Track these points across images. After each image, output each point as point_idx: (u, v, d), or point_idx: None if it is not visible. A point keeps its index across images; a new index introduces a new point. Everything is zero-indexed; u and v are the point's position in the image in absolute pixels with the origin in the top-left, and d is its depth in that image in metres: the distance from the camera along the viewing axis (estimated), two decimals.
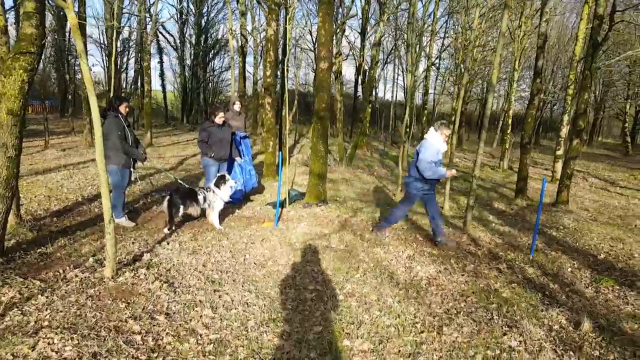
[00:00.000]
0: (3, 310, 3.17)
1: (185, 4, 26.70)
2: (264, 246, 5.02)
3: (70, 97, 20.35)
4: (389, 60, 26.49)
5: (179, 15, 26.61)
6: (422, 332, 3.29)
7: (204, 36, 29.13)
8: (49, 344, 2.76)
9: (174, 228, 5.55)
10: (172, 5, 31.20)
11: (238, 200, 6.97)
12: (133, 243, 4.90)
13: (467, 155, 20.75)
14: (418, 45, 16.46)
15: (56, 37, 29.17)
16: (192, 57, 28.85)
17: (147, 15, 14.87)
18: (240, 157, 6.89)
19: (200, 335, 3.02)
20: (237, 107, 7.31)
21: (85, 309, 3.27)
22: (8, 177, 3.95)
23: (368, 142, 20.44)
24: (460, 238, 6.07)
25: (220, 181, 5.78)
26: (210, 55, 31.00)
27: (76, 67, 27.94)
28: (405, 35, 17.27)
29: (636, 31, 17.76)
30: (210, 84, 33.25)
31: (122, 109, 5.53)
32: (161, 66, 27.82)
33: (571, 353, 3.11)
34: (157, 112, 30.98)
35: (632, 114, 28.98)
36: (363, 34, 17.78)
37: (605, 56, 19.77)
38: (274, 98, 9.47)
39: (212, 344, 2.91)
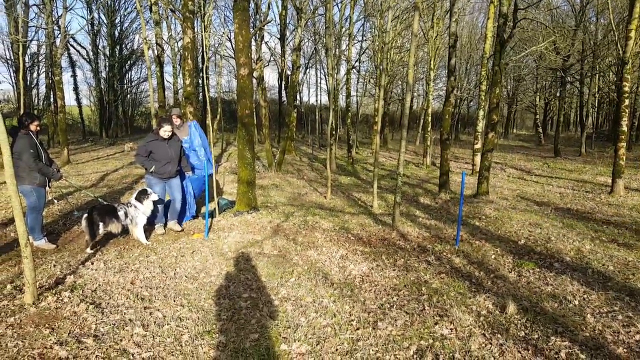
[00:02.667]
0: None
1: (96, 14, 25.23)
2: (195, 258, 5.00)
3: None
4: (310, 64, 27.00)
5: (90, 27, 25.10)
6: (358, 329, 3.46)
7: (118, 47, 27.76)
8: None
9: (97, 247, 5.34)
10: (82, 17, 29.31)
11: (193, 217, 6.82)
12: (54, 266, 4.66)
13: (392, 154, 21.74)
14: (337, 49, 17.04)
15: None
16: (107, 69, 27.33)
17: (56, 27, 13.92)
18: (192, 171, 6.54)
19: (133, 355, 2.99)
20: (177, 121, 6.85)
21: (6, 339, 3.09)
22: None
23: (296, 147, 20.73)
24: (390, 234, 6.41)
25: (142, 195, 5.64)
26: (127, 67, 29.62)
27: None
28: (324, 40, 17.81)
29: (539, 28, 19.72)
30: (128, 95, 31.73)
31: (33, 127, 5.22)
32: (74, 80, 26.06)
33: (499, 336, 3.34)
34: (73, 127, 28.96)
35: (542, 106, 31.75)
36: (282, 39, 18.00)
37: (512, 52, 21.71)
38: (195, 107, 9.35)
39: None
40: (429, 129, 17.19)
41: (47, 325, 3.32)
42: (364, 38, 23.29)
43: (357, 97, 26.01)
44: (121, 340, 3.17)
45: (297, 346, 3.18)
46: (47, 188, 5.38)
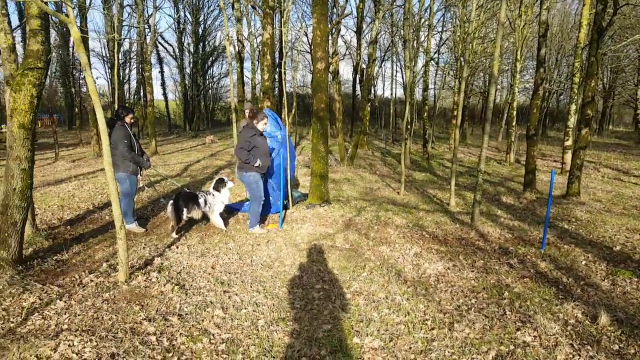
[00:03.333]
0: (25, 315, 3.32)
1: (182, 13, 26.93)
2: (269, 248, 5.14)
3: (77, 110, 20.70)
4: (386, 57, 26.54)
5: (176, 25, 26.86)
6: (433, 329, 3.35)
7: (201, 44, 29.39)
8: (69, 346, 2.89)
9: (182, 232, 5.70)
10: (170, 16, 31.54)
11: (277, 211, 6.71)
12: (144, 248, 5.05)
13: (471, 150, 20.76)
14: (415, 41, 16.56)
15: (60, 52, 29.57)
16: (191, 65, 29.11)
17: (146, 26, 15.07)
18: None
19: (213, 335, 3.14)
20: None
21: (102, 312, 3.40)
22: (23, 188, 4.10)
23: (369, 141, 20.55)
24: (469, 234, 6.13)
25: (220, 184, 5.93)
26: (209, 63, 31.29)
27: (81, 81, 28.31)
28: (402, 31, 17.38)
29: None
30: (210, 90, 33.53)
31: (128, 119, 5.68)
32: (162, 75, 28.17)
33: (589, 347, 3.09)
34: (160, 120, 31.31)
35: None
36: (359, 32, 17.87)
37: (611, 42, 19.65)
38: (272, 101, 9.60)
39: (224, 343, 3.03)
40: (513, 123, 16.13)
41: (137, 302, 3.60)
42: (444, 29, 22.45)
43: (435, 90, 25.14)
44: (203, 320, 3.35)
45: (369, 340, 3.14)
46: (139, 176, 5.84)
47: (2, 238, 4.02)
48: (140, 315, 3.38)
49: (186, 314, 3.45)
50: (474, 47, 17.00)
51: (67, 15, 3.62)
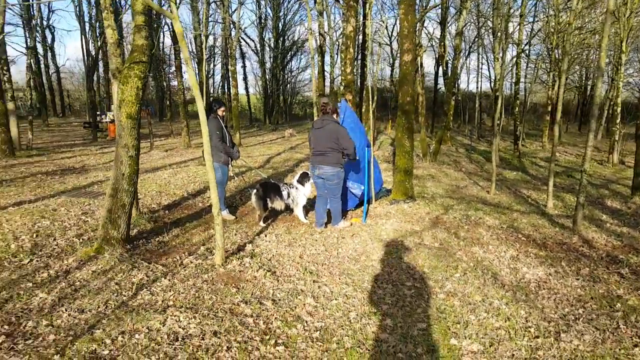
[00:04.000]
0: (135, 290, 3.60)
1: (264, 9, 27.82)
2: (355, 241, 5.09)
3: (167, 102, 22.37)
4: (472, 49, 25.24)
5: (258, 20, 27.78)
6: (537, 337, 3.11)
7: (281, 38, 30.11)
8: (176, 321, 3.08)
9: (269, 222, 5.87)
10: (252, 11, 32.62)
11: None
12: (235, 234, 5.27)
13: (567, 149, 19.16)
14: (505, 32, 15.52)
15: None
16: (271, 60, 29.98)
17: (231, 22, 15.73)
18: None
19: (306, 322, 3.17)
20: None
21: (203, 292, 3.59)
22: (130, 173, 4.46)
23: (452, 137, 19.73)
24: (571, 239, 5.64)
25: (304, 178, 6.00)
26: (288, 57, 32.00)
27: (170, 76, 30.55)
28: (491, 22, 16.39)
29: None
30: (288, 85, 34.33)
31: (220, 112, 5.95)
32: (244, 70, 29.35)
33: None
34: (242, 114, 32.74)
35: None
36: (443, 24, 17.16)
37: None
38: (354, 95, 9.53)
39: (318, 331, 3.05)
40: (617, 121, 14.60)
41: (233, 285, 3.75)
42: (535, 19, 20.84)
43: (525, 84, 23.47)
44: (295, 307, 3.40)
45: (467, 343, 2.97)
46: (230, 166, 6.10)
47: (112, 219, 4.41)
48: (237, 297, 3.51)
49: (279, 300, 3.52)
50: (571, 38, 15.63)
51: (170, 11, 3.85)
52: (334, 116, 5.57)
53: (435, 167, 11.74)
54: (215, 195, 4.11)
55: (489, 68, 28.02)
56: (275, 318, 3.21)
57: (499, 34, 13.99)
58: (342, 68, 8.89)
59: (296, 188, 6.03)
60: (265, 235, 5.25)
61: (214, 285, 3.75)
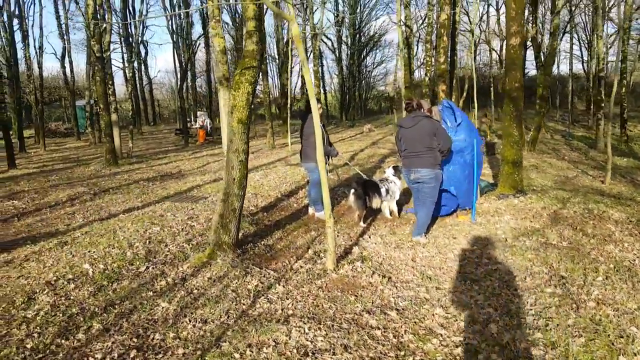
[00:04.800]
0: (253, 298, 3.55)
1: (341, 7, 27.70)
2: (470, 242, 4.70)
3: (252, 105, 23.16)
4: (567, 30, 23.03)
5: (335, 20, 27.71)
6: None
7: (358, 35, 29.80)
8: (301, 333, 2.96)
9: (368, 221, 5.65)
10: (330, 11, 32.48)
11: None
12: (338, 236, 5.10)
13: None
14: (604, 8, 13.90)
15: (234, 55, 33.35)
16: (348, 57, 29.79)
17: (312, 23, 15.75)
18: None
19: (441, 336, 2.89)
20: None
21: (320, 300, 3.45)
22: (240, 178, 4.46)
23: (544, 123, 18.14)
24: None
25: (398, 171, 5.73)
26: (364, 53, 31.61)
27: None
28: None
29: None
30: (363, 80, 33.96)
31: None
32: (322, 70, 29.49)
33: None
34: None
35: None
36: (535, 2, 15.75)
37: None
38: (448, 85, 9.00)
39: (458, 347, 2.75)
40: None
41: (350, 292, 3.57)
42: None
43: (625, 63, 20.94)
44: (424, 318, 3.13)
45: None
46: (327, 165, 5.96)
47: (224, 223, 4.44)
48: (357, 306, 3.33)
49: (403, 309, 3.28)
50: None
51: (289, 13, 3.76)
52: (422, 111, 4.93)
53: (535, 156, 10.77)
54: (327, 197, 3.96)
55: (580, 48, 25.54)
56: (405, 331, 2.97)
57: (600, 10, 12.60)
58: (436, 57, 8.42)
59: (394, 182, 5.77)
60: (370, 237, 5.03)
61: (330, 292, 3.60)
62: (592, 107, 19.94)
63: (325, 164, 5.86)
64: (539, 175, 8.31)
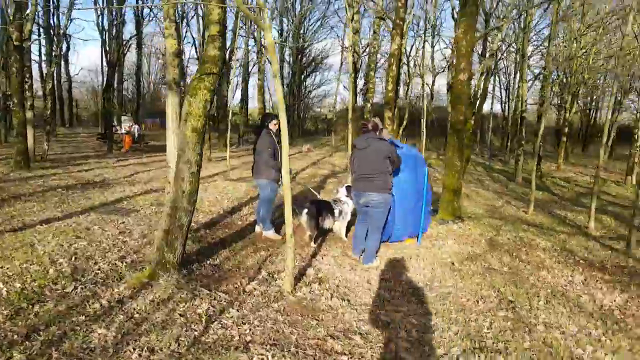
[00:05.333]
0: (205, 323, 3.26)
1: (285, 26, 27.97)
2: (420, 265, 4.79)
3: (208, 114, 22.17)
4: (496, 70, 25.21)
5: (279, 36, 27.82)
6: None
7: (300, 55, 30.21)
8: None
9: (318, 241, 5.56)
10: (275, 27, 32.63)
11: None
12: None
13: (578, 169, 19.01)
14: (522, 55, 15.50)
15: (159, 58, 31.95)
16: (289, 76, 29.99)
17: (252, 38, 15.67)
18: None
19: None
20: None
21: (280, 325, 3.27)
22: (191, 191, 4.15)
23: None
24: (627, 262, 5.42)
25: (350, 192, 5.70)
26: (305, 73, 32.10)
27: (181, 87, 30.40)
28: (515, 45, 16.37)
29: None
30: (302, 101, 34.37)
31: (272, 125, 5.68)
32: (264, 85, 29.49)
33: None
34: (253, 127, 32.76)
35: None
36: None
37: None
38: (394, 112, 9.34)
39: None
40: (637, 143, 14.59)
41: (311, 316, 3.43)
42: (555, 43, 20.91)
43: (538, 107, 23.43)
44: (389, 342, 3.08)
45: None
46: (280, 183, 5.81)
47: (169, 240, 4.09)
48: (320, 331, 3.19)
49: (366, 333, 3.21)
50: (590, 62, 15.65)
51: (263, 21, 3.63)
52: (377, 133, 4.91)
53: (464, 186, 11.46)
54: (289, 214, 3.81)
55: (500, 90, 28.16)
56: (372, 356, 2.90)
57: (525, 56, 14.00)
58: (385, 85, 8.72)
59: (347, 204, 5.76)
60: (322, 258, 4.94)
61: (289, 316, 3.43)
62: (509, 143, 21.88)
63: (279, 182, 5.74)
64: (471, 203, 8.84)
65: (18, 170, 10.24)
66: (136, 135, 18.11)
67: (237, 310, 3.49)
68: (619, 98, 26.04)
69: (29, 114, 11.56)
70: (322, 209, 5.56)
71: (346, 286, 4.10)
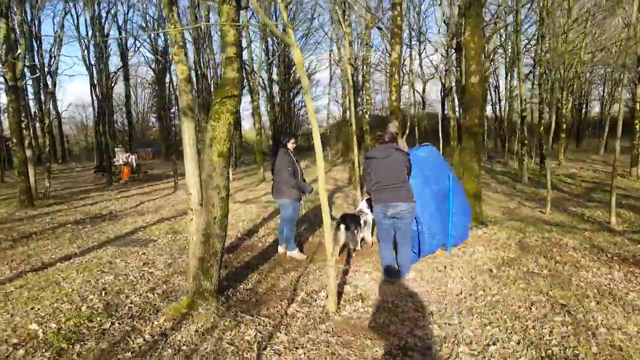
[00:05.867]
0: (257, 350, 3.14)
1: (271, 46, 28.13)
2: (457, 274, 4.68)
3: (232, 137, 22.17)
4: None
5: (265, 56, 27.98)
6: None
7: (287, 74, 30.37)
8: None
9: (340, 254, 5.48)
10: (259, 47, 32.81)
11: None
12: (321, 275, 4.83)
13: (577, 164, 19.03)
14: (517, 54, 15.69)
15: (156, 88, 32.06)
16: (279, 95, 30.10)
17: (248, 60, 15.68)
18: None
19: None
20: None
21: (334, 347, 3.15)
22: (222, 216, 4.05)
23: None
24: None
25: (370, 203, 5.61)
26: (294, 91, 32.21)
27: (171, 115, 30.41)
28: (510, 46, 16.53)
29: None
30: (293, 119, 34.44)
31: (290, 145, 5.63)
32: (253, 106, 29.48)
33: None
34: (247, 149, 32.58)
35: None
36: (458, 48, 17.28)
37: None
38: (400, 122, 9.32)
39: None
40: (638, 135, 14.69)
41: (363, 335, 3.31)
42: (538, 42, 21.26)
43: (531, 104, 23.63)
44: (450, 356, 2.96)
45: None
46: (302, 202, 5.72)
47: (205, 268, 3.97)
48: (377, 351, 3.08)
49: (426, 349, 3.08)
50: (582, 57, 15.87)
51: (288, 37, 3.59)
52: (395, 144, 4.79)
53: None
54: (328, 235, 3.71)
55: (490, 91, 28.42)
56: None
57: (520, 54, 14.16)
58: (389, 95, 8.70)
59: (368, 214, 5.73)
60: (355, 274, 4.81)
61: (340, 337, 3.31)
62: (507, 144, 21.98)
63: (301, 200, 5.65)
64: (486, 207, 8.76)
65: (23, 209, 10.07)
66: (134, 165, 17.98)
67: (286, 334, 3.37)
68: (611, 90, 26.53)
69: (28, 153, 11.44)
70: (353, 222, 5.49)
71: (390, 301, 3.97)
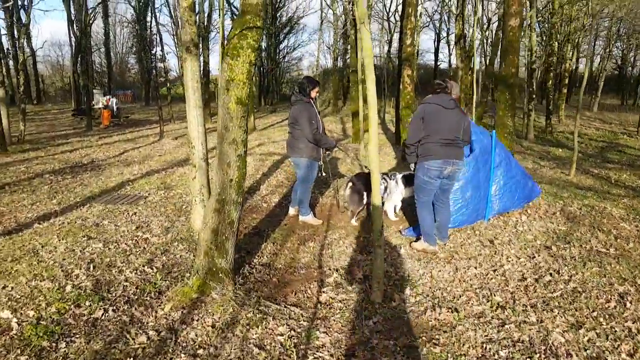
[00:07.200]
0: (297, 357, 2.45)
1: None
2: (510, 252, 4.01)
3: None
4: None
5: None
6: None
7: (275, 16, 28.51)
8: None
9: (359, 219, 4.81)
10: None
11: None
12: (348, 248, 4.14)
13: (570, 122, 18.47)
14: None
15: (137, 27, 29.65)
16: (267, 38, 28.29)
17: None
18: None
19: None
20: None
21: (397, 356, 2.48)
22: (239, 179, 3.23)
23: None
24: None
25: (409, 180, 4.77)
26: (282, 36, 30.41)
27: (152, 58, 28.34)
28: None
29: None
30: (279, 64, 32.78)
31: (314, 93, 4.74)
32: None
33: None
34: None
35: None
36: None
37: None
38: (414, 69, 8.39)
39: None
40: None
41: (426, 339, 2.64)
42: None
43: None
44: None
45: None
46: (321, 162, 4.90)
47: (219, 242, 3.19)
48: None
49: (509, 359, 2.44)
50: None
51: None
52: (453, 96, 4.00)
53: None
54: (378, 216, 2.94)
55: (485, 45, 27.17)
56: None
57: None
58: (402, 39, 7.68)
59: (396, 182, 4.94)
60: (386, 250, 4.11)
61: (397, 340, 2.63)
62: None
63: (320, 160, 4.83)
64: None
65: None
66: (115, 109, 16.68)
67: (326, 334, 2.69)
68: (608, 45, 25.58)
69: (1, 92, 10.17)
70: (367, 183, 4.70)
71: (441, 288, 3.30)
